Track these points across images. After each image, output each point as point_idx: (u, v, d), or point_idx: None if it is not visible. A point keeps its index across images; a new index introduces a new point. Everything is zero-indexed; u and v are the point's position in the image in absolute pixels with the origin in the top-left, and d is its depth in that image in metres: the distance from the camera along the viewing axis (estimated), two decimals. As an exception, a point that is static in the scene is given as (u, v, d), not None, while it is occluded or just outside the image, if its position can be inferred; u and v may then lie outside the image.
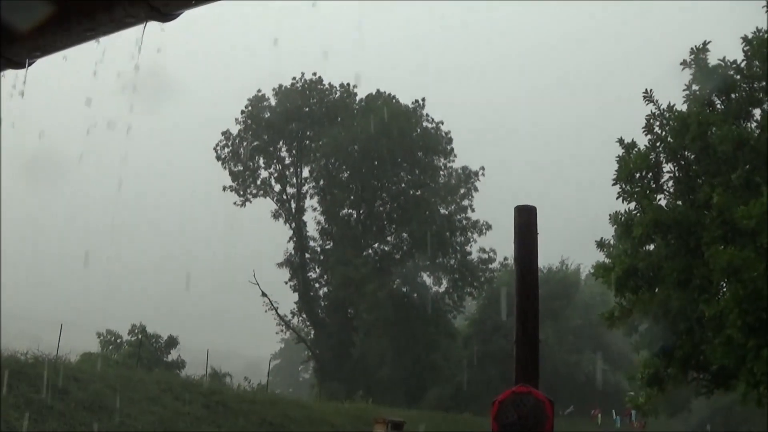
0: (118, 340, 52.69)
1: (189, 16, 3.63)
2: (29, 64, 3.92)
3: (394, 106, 68.59)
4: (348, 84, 71.12)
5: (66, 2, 3.40)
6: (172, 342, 52.85)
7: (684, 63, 26.18)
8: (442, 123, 70.80)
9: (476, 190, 70.31)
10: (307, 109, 70.48)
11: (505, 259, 69.18)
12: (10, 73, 4.03)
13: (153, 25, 3.57)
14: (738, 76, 25.42)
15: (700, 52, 26.10)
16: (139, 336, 51.51)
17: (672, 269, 25.09)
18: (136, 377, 32.32)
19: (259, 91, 70.78)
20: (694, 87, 26.37)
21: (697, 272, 24.54)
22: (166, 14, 3.37)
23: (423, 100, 70.73)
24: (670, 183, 27.32)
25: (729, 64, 25.48)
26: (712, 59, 26.03)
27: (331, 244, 70.35)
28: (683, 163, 26.99)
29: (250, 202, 70.37)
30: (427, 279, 70.58)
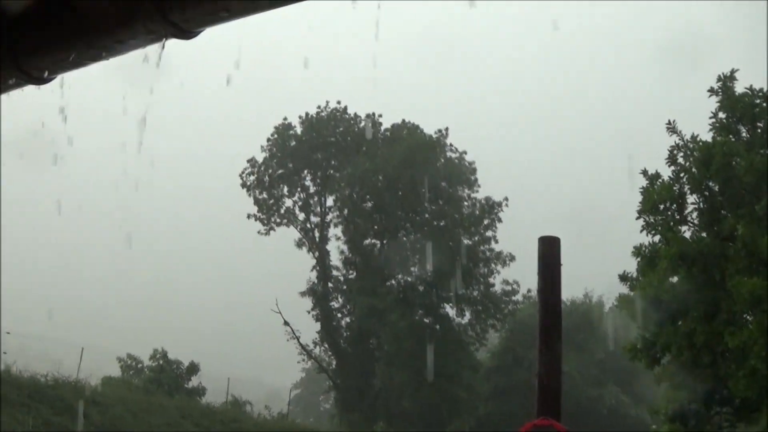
0: (139, 365, 52.58)
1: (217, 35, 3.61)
2: (49, 80, 3.91)
3: (419, 136, 68.68)
4: (372, 113, 71.31)
5: (85, 18, 3.38)
6: (194, 368, 52.70)
7: (711, 91, 26.07)
8: (466, 153, 70.80)
9: (500, 221, 70.03)
10: (333, 138, 70.71)
11: (529, 290, 68.84)
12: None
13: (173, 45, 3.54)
14: (765, 104, 25.32)
15: (727, 80, 26.01)
16: (161, 361, 51.39)
17: (697, 302, 24.93)
18: (156, 403, 32.26)
19: (285, 119, 71.12)
20: (721, 115, 26.27)
21: (723, 305, 24.36)
22: (187, 31, 3.35)
23: (446, 129, 70.69)
24: (695, 215, 27.20)
25: (756, 92, 25.37)
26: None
27: (354, 273, 70.19)
28: (707, 194, 26.85)
29: (274, 230, 70.53)
30: (450, 310, 70.27)
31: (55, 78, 3.88)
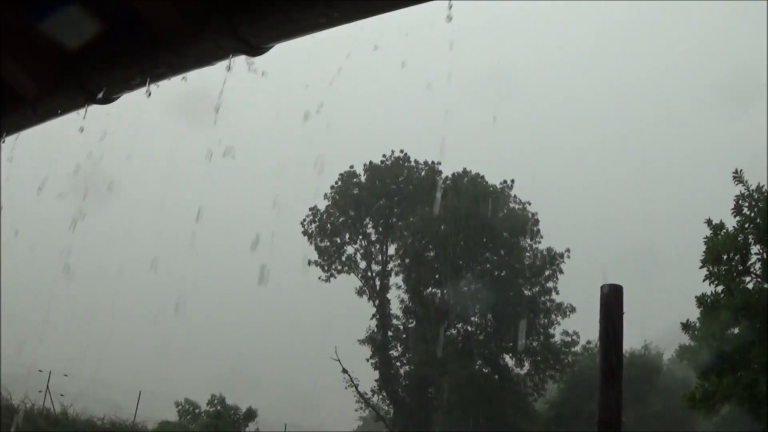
0: (197, 410, 52.71)
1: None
2: (113, 100, 3.90)
3: (482, 186, 68.62)
4: (432, 162, 71.54)
5: (152, 35, 3.36)
6: (251, 415, 52.75)
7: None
8: (529, 203, 70.58)
9: (561, 272, 69.51)
10: (395, 186, 70.90)
11: (588, 342, 68.14)
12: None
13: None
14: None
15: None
16: (218, 407, 51.52)
17: (759, 353, 24.47)
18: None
19: (351, 166, 71.58)
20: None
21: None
22: (255, 47, 3.32)
23: (512, 181, 70.63)
24: (758, 265, 26.72)
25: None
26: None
27: (414, 322, 69.91)
28: (771, 244, 26.42)
29: (335, 277, 70.66)
30: (509, 361, 69.71)
31: (118, 98, 3.87)
